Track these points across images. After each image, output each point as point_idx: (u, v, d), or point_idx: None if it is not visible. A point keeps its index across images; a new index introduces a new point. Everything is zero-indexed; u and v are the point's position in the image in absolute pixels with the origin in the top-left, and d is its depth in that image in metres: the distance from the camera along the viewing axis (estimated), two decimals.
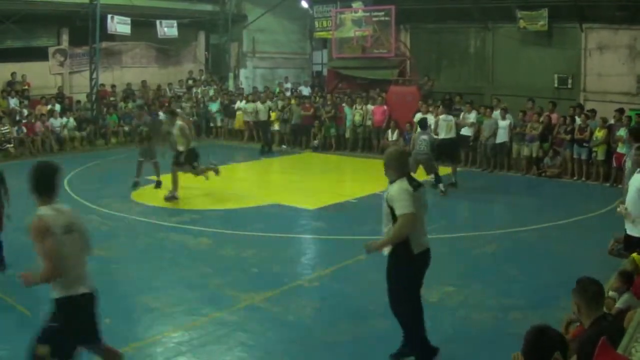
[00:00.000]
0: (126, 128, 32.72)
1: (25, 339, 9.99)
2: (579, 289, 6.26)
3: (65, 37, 34.69)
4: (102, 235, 15.93)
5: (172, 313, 11.04)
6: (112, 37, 34.79)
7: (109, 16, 32.27)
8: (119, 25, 32.82)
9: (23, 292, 11.85)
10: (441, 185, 21.47)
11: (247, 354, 9.63)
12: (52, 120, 30.23)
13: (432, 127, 25.13)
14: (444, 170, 22.56)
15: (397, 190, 8.77)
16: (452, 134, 23.12)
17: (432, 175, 21.65)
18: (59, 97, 32.84)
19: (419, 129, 22.07)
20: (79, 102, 33.46)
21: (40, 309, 11.05)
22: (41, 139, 29.63)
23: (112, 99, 34.03)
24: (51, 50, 33.91)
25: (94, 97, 33.05)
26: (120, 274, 13.29)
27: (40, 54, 33.50)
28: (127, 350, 9.48)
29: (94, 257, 13.97)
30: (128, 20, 32.96)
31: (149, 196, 20.63)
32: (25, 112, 30.36)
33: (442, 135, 22.98)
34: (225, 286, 12.27)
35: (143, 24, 34.22)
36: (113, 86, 35.08)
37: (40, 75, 33.38)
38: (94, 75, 32.98)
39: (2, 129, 28.50)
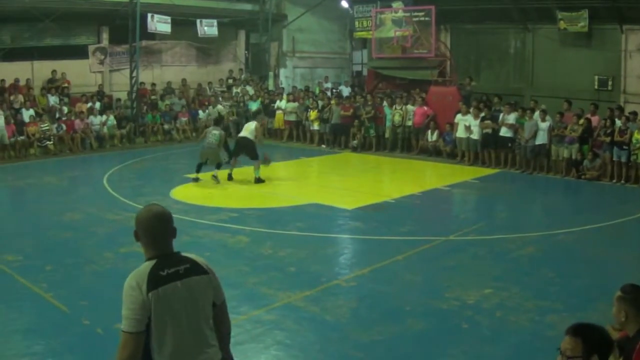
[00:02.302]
0: (166, 126, 32.95)
1: (62, 335, 10.10)
2: (629, 298, 6.14)
3: (105, 36, 34.95)
4: None
5: None
6: (152, 36, 35.00)
7: (149, 15, 32.40)
8: (159, 24, 32.93)
9: (61, 288, 12.00)
10: (215, 171, 22.63)
11: (284, 352, 9.66)
12: (91, 118, 30.47)
13: (472, 127, 25.24)
14: (487, 171, 22.62)
15: (127, 286, 5.19)
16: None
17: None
18: (99, 95, 33.09)
19: (212, 124, 23.88)
20: (119, 100, 33.67)
21: (78, 305, 11.20)
22: (80, 137, 29.87)
23: (152, 97, 34.18)
24: (91, 48, 34.17)
25: (134, 95, 33.24)
26: None
27: (80, 52, 33.75)
28: None
29: (133, 254, 14.20)
30: (168, 19, 33.07)
31: (188, 194, 20.75)
32: (65, 109, 30.63)
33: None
34: (263, 285, 12.30)
35: (183, 23, 34.36)
36: (153, 84, 35.28)
37: (80, 73, 33.65)
38: (134, 74, 33.16)
39: (42, 126, 28.77)
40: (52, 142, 28.79)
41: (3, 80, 30.68)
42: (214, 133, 22.69)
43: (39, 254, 14.43)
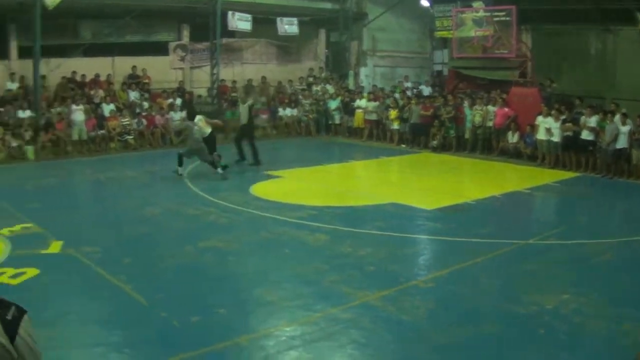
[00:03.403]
0: None
1: (139, 327, 10.24)
2: None
3: (186, 33, 35.42)
4: (220, 228, 16.29)
5: (286, 307, 11.13)
6: (233, 34, 35.27)
7: (230, 13, 32.71)
8: (240, 22, 33.19)
9: (139, 280, 12.18)
10: (219, 170, 22.67)
11: (359, 351, 9.62)
12: (172, 113, 30.80)
13: (553, 130, 24.89)
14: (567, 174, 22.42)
15: None
16: None
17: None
18: (180, 91, 33.43)
19: (187, 121, 23.95)
20: (199, 96, 34.01)
21: (156, 297, 11.35)
22: (160, 132, 30.24)
23: (232, 94, 34.42)
24: (172, 45, 34.63)
25: (214, 92, 33.54)
26: (237, 266, 13.52)
27: (160, 49, 34.19)
28: (240, 341, 9.68)
29: (212, 248, 14.37)
30: (249, 17, 33.32)
31: (269, 191, 20.90)
32: (146, 105, 31.06)
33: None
34: (341, 283, 12.28)
35: (263, 21, 34.58)
36: (234, 82, 35.52)
37: (160, 70, 34.13)
38: (215, 71, 33.47)
39: (122, 120, 29.20)
40: (132, 137, 29.23)
41: (83, 75, 31.24)
42: (196, 129, 22.79)
43: (119, 247, 14.75)
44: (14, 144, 26.88)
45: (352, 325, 10.38)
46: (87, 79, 31.54)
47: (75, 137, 27.99)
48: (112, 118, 29.30)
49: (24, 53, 30.25)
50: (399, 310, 10.99)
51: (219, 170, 22.67)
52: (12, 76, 30.01)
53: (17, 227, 16.02)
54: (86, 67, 31.53)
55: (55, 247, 14.46)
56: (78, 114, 27.86)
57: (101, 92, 30.95)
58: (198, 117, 23.37)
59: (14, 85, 29.82)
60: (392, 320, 10.67)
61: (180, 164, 22.52)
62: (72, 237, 15.15)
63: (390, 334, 10.20)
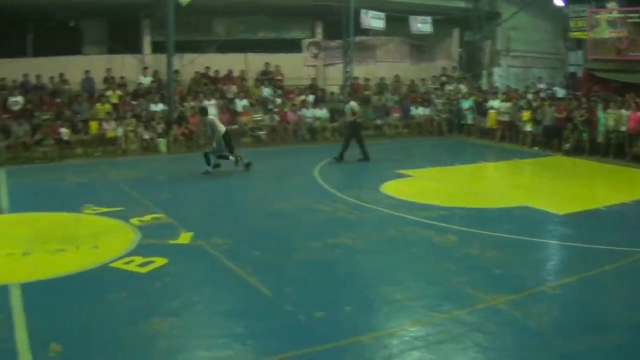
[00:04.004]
0: (378, 121, 33.29)
1: (264, 319, 10.38)
2: None
3: (319, 30, 35.79)
4: (349, 224, 16.45)
5: (412, 307, 11.13)
6: (366, 32, 35.37)
7: (363, 11, 32.89)
8: (373, 20, 33.38)
9: (266, 273, 12.36)
10: (208, 168, 23.21)
11: (482, 355, 9.54)
12: (304, 110, 31.08)
13: None
14: None
15: None
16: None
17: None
18: (312, 88, 33.71)
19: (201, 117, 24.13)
20: (332, 94, 34.21)
21: (282, 291, 11.49)
22: (293, 129, 30.55)
23: (365, 92, 34.51)
24: (305, 42, 34.87)
25: (346, 89, 33.69)
26: (365, 263, 13.59)
27: (293, 46, 34.52)
28: (364, 338, 9.75)
29: (340, 245, 14.47)
30: (382, 15, 33.45)
31: (399, 189, 20.92)
32: (278, 101, 31.44)
33: None
34: (467, 285, 12.20)
35: (396, 19, 34.61)
36: (366, 80, 35.62)
37: (293, 67, 34.50)
38: (348, 69, 33.65)
39: (254, 116, 29.63)
40: (264, 132, 29.63)
41: (217, 71, 31.89)
42: (208, 122, 23.50)
43: (248, 240, 15.04)
44: (147, 136, 27.67)
45: (477, 329, 10.33)
46: (220, 75, 32.19)
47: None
48: (244, 113, 29.82)
49: (157, 48, 31.16)
50: (524, 315, 10.89)
51: (208, 168, 23.20)
52: (145, 70, 30.89)
53: (147, 217, 16.60)
54: (219, 62, 32.25)
55: (184, 237, 14.89)
56: (211, 108, 28.45)
57: (234, 88, 31.56)
58: (210, 117, 24.03)
59: (147, 80, 30.74)
60: (517, 325, 10.58)
61: (222, 157, 23.49)
62: (202, 229, 15.57)
63: (514, 339, 10.11)
